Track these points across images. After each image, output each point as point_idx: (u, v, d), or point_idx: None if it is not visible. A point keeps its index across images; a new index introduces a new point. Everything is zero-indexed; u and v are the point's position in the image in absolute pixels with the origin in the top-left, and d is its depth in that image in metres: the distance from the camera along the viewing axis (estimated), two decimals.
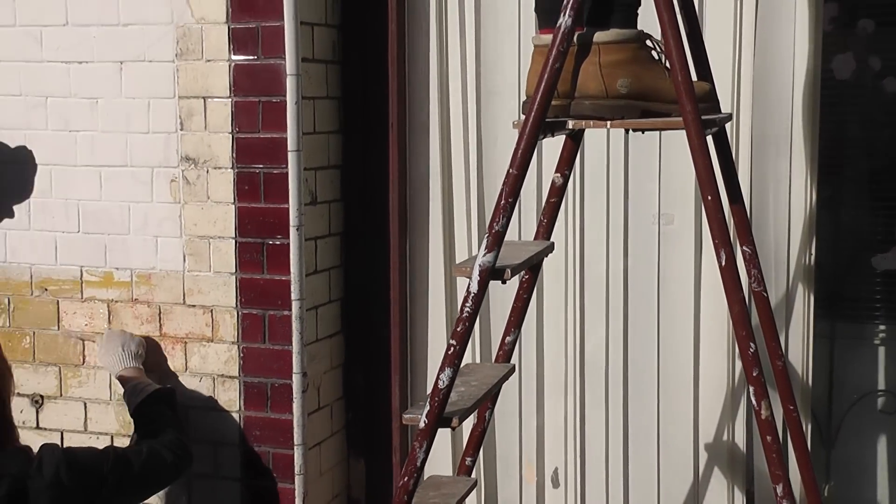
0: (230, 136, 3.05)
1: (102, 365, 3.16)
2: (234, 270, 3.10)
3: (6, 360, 2.76)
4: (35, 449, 2.67)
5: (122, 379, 3.07)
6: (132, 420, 3.01)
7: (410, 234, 3.31)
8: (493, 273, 2.22)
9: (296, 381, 3.08)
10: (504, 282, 2.29)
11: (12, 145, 3.23)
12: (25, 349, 3.29)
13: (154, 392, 2.99)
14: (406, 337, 3.33)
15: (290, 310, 3.06)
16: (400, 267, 3.27)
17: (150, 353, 3.17)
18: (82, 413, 3.28)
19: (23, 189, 3.25)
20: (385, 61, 3.19)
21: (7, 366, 2.76)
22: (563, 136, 2.59)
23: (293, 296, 3.06)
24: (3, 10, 3.18)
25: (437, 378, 2.24)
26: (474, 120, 3.23)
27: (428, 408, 2.25)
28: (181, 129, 3.09)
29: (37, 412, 3.31)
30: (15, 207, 3.26)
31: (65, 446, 2.99)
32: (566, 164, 2.60)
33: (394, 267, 3.26)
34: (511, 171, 2.22)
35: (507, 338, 2.69)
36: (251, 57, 3.01)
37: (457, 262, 3.30)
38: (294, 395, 3.08)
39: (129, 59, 3.11)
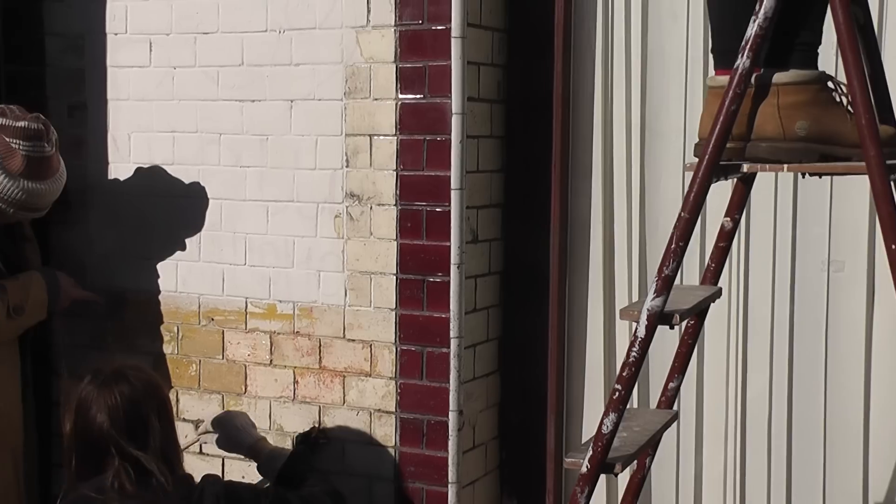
0: (394, 173, 3.10)
1: (226, 449, 3.09)
2: (394, 306, 3.14)
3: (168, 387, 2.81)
4: (197, 477, 2.72)
5: (253, 452, 3.03)
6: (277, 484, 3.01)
7: (570, 275, 3.29)
8: (661, 318, 2.18)
9: (452, 418, 3.09)
10: (672, 327, 2.24)
11: (187, 180, 3.36)
12: (191, 376, 3.40)
13: (292, 453, 3.00)
14: (563, 377, 3.30)
15: (449, 347, 3.07)
16: (559, 307, 3.25)
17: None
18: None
19: (194, 222, 3.36)
20: (549, 101, 3.19)
21: (168, 393, 2.81)
22: (733, 180, 2.53)
23: (452, 333, 3.07)
24: (185, 53, 3.31)
25: (602, 423, 2.20)
26: (638, 162, 3.20)
27: (591, 452, 2.22)
28: (347, 166, 3.15)
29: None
30: (186, 239, 3.38)
31: (226, 479, 3.04)
32: (737, 208, 2.54)
33: (552, 307, 3.24)
34: (682, 214, 2.18)
35: (671, 384, 2.63)
36: (418, 96, 3.05)
37: (616, 303, 3.27)
38: (450, 433, 3.08)
39: (300, 98, 3.19)
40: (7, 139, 2.98)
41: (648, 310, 2.17)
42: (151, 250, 3.43)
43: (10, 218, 3.12)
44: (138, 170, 3.43)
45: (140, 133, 3.41)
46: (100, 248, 3.50)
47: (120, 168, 3.46)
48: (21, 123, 3.00)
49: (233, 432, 3.06)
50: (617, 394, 2.20)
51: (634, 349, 2.19)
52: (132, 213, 3.45)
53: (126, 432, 2.58)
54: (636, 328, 2.18)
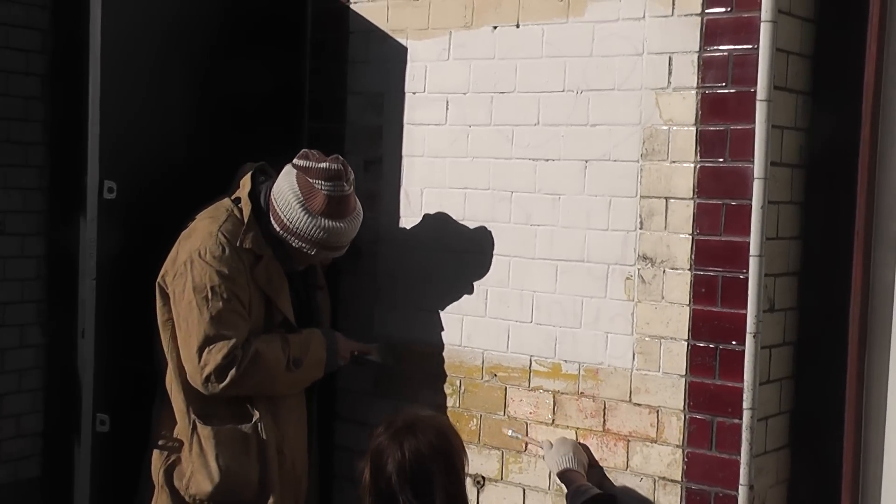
0: (690, 237, 3.04)
1: (549, 463, 3.20)
2: (683, 373, 3.06)
3: (460, 439, 2.82)
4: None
5: (564, 478, 3.10)
6: None
7: (870, 348, 3.12)
8: None
9: (742, 493, 2.97)
10: None
11: (476, 236, 3.41)
12: (472, 431, 3.43)
13: (596, 495, 2.99)
14: (859, 454, 3.12)
15: (741, 418, 2.97)
16: (857, 380, 3.08)
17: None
18: (520, 499, 3.34)
19: (482, 278, 3.41)
20: (854, 167, 3.05)
21: (462, 445, 2.84)
22: None
23: (745, 404, 2.96)
24: (481, 111, 3.38)
25: None
26: None
27: None
28: (640, 228, 3.12)
29: (478, 493, 3.42)
30: (473, 295, 3.42)
31: None
32: None
33: (850, 380, 3.08)
34: None
35: None
36: (718, 159, 2.99)
37: None
38: None
39: (594, 158, 3.19)
40: (310, 180, 3.12)
41: None
42: (438, 303, 3.50)
43: (312, 259, 3.27)
44: (428, 224, 3.52)
45: (432, 188, 3.50)
46: (387, 299, 3.61)
47: (411, 222, 3.55)
48: (322, 164, 3.14)
49: (558, 455, 3.15)
50: None
51: None
52: (421, 266, 3.53)
53: (411, 487, 2.62)
54: None
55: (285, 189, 3.14)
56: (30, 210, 4.35)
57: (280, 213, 3.15)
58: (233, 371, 3.07)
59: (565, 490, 3.08)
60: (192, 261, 3.10)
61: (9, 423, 4.26)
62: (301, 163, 3.16)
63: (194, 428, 3.17)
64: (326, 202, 3.12)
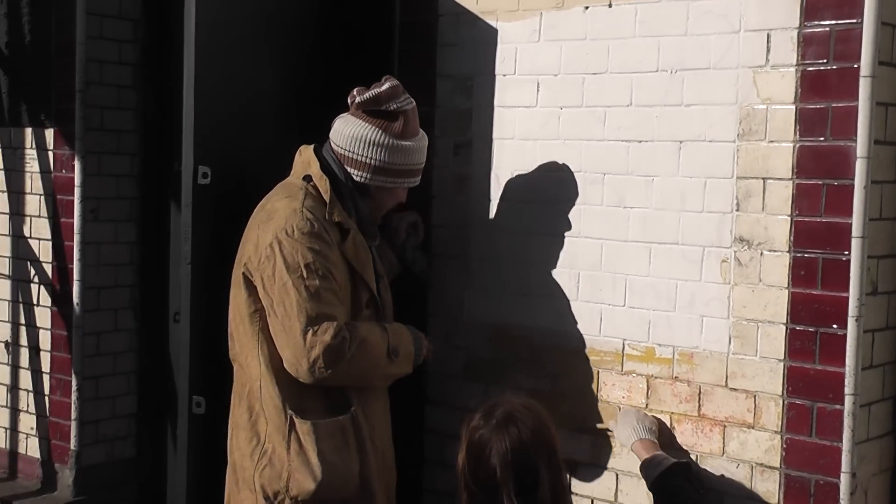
0: (789, 218, 2.97)
1: (619, 438, 3.19)
2: (782, 357, 3.00)
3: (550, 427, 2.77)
4: None
5: (637, 451, 3.09)
6: (650, 492, 3.00)
7: None
8: None
9: (844, 481, 2.90)
10: None
11: (568, 219, 3.38)
12: (564, 415, 3.39)
13: (672, 465, 2.95)
14: None
15: (842, 404, 2.90)
16: None
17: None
18: (613, 484, 3.31)
19: (574, 261, 3.37)
20: None
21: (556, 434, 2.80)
22: None
23: (847, 390, 2.89)
24: (572, 93, 3.35)
25: None
26: None
27: None
28: (737, 210, 3.06)
29: (569, 477, 3.39)
30: (565, 278, 3.39)
31: None
32: None
33: None
34: None
35: None
36: (818, 138, 2.91)
37: None
38: (841, 496, 2.90)
39: (689, 139, 3.14)
40: (380, 108, 3.07)
41: None
42: (529, 287, 3.47)
43: (392, 203, 3.23)
44: (519, 207, 3.49)
45: (523, 171, 3.48)
46: (479, 283, 3.59)
47: (501, 205, 3.53)
48: (385, 86, 3.09)
49: (626, 427, 3.14)
50: None
51: None
52: (511, 250, 3.51)
53: (515, 480, 2.57)
54: None
55: (356, 132, 3.10)
56: (123, 196, 4.44)
57: (361, 158, 3.09)
58: (344, 353, 2.93)
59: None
60: (279, 241, 2.95)
61: (105, 405, 4.36)
62: (360, 99, 3.10)
63: (291, 425, 2.99)
64: (403, 120, 3.10)
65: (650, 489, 3.00)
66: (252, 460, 3.05)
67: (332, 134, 3.17)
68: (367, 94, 3.09)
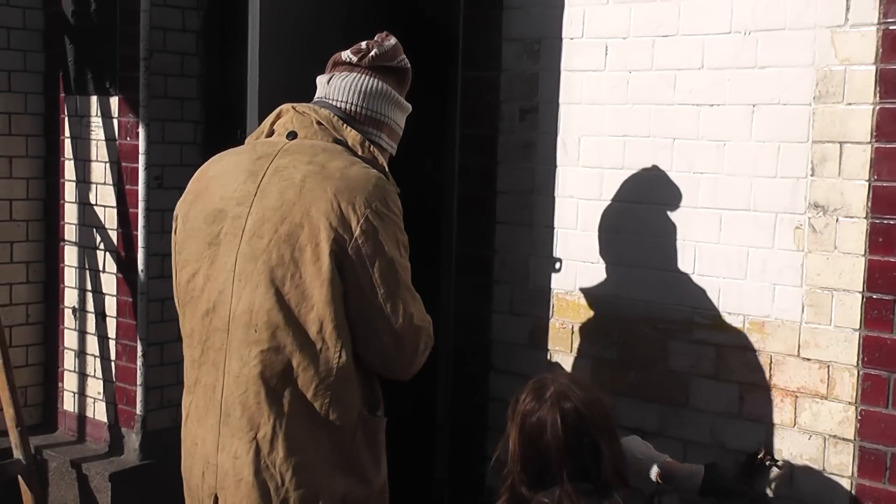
0: (866, 183, 2.88)
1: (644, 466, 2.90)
2: (857, 326, 2.92)
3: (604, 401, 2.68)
4: None
5: (667, 469, 2.86)
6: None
7: None
8: None
9: None
10: None
11: (636, 186, 3.31)
12: (630, 383, 3.35)
13: (704, 471, 2.84)
14: None
15: None
16: None
17: None
18: (681, 452, 3.25)
19: (642, 228, 3.31)
20: None
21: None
22: None
23: None
24: (642, 56, 3.27)
25: None
26: None
27: None
28: (812, 175, 2.98)
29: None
30: (633, 245, 3.34)
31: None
32: None
33: None
34: None
35: None
36: None
37: None
38: None
39: (762, 103, 3.06)
40: (393, 62, 2.72)
41: None
42: (595, 254, 3.42)
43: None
44: (586, 173, 3.43)
45: (590, 137, 3.42)
46: (544, 250, 3.54)
47: (568, 171, 3.48)
48: (392, 40, 2.73)
49: (642, 461, 2.89)
50: None
51: None
52: (578, 217, 3.46)
53: (574, 457, 2.50)
54: None
55: (383, 90, 2.69)
56: (186, 164, 4.45)
57: (392, 123, 2.73)
58: (430, 344, 2.62)
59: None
60: (378, 214, 2.48)
61: (170, 371, 4.40)
62: (376, 52, 2.68)
63: (364, 422, 2.59)
64: (409, 81, 2.78)
65: (701, 496, 2.88)
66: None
67: (341, 93, 2.69)
68: (379, 49, 2.69)
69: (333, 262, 2.46)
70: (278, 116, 2.74)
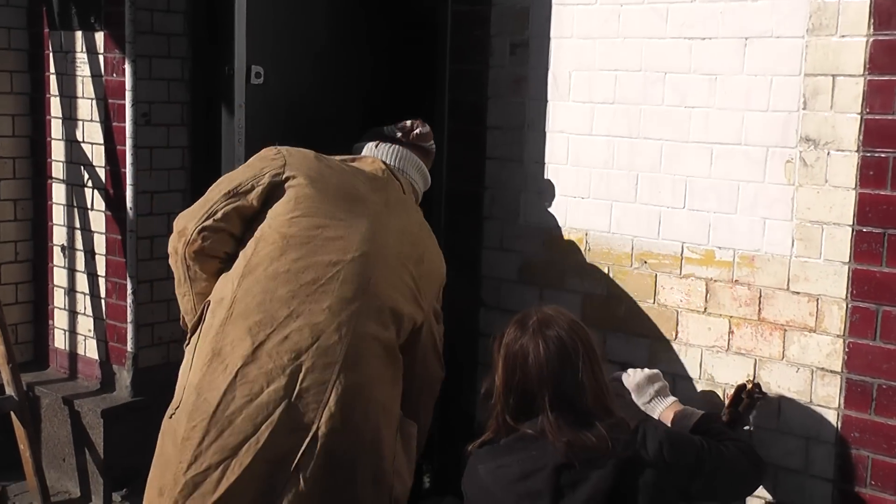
0: (858, 117, 2.88)
1: (643, 408, 3.01)
2: (847, 260, 2.93)
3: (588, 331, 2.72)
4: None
5: (666, 418, 2.94)
6: None
7: None
8: None
9: None
10: None
11: (627, 120, 3.30)
12: (620, 318, 3.37)
13: (702, 416, 2.89)
14: None
15: None
16: None
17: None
18: (671, 387, 3.26)
19: (632, 163, 3.30)
20: None
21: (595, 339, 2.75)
22: None
23: None
24: None
25: None
26: None
27: None
28: (803, 109, 2.97)
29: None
30: (623, 180, 3.33)
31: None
32: None
33: None
34: None
35: None
36: (894, 32, 2.80)
37: None
38: None
39: (755, 36, 3.04)
40: (423, 145, 3.33)
41: None
42: (586, 189, 3.41)
43: None
44: (577, 108, 3.41)
45: (581, 72, 3.39)
46: (535, 186, 3.54)
47: (559, 106, 3.46)
48: (427, 128, 3.33)
49: (642, 397, 3.00)
50: None
51: None
52: (569, 152, 3.44)
53: (556, 383, 2.58)
54: None
55: (425, 172, 3.34)
56: (174, 101, 4.41)
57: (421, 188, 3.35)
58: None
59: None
60: (442, 283, 3.18)
61: (160, 308, 4.39)
62: (419, 131, 3.29)
63: (400, 427, 2.93)
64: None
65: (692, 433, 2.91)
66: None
67: (409, 165, 3.27)
68: (421, 129, 3.30)
69: (414, 304, 3.02)
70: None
